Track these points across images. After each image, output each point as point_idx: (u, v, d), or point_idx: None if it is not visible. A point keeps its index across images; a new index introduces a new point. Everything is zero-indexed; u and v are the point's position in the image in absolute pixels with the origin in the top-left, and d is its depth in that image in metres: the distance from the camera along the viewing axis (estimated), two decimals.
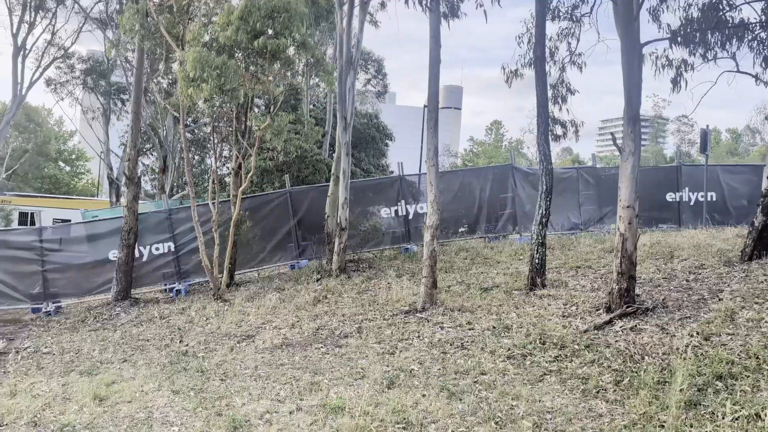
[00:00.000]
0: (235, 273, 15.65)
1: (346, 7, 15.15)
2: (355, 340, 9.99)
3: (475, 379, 7.74)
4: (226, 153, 28.80)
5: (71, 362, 10.43)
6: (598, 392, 7.02)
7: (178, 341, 11.18)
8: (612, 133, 10.86)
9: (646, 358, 7.68)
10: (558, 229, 17.19)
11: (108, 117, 29.44)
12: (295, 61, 12.49)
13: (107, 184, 45.09)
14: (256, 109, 14.19)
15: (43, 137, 55.09)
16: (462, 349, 8.91)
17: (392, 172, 28.79)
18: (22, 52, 26.66)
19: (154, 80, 22.45)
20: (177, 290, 15.67)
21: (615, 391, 6.99)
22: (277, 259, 16.96)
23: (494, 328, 9.53)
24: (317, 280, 14.36)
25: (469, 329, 9.72)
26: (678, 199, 18.38)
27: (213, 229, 14.05)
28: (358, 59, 14.63)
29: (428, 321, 10.32)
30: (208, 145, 32.44)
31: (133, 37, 13.49)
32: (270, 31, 11.55)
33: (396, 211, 17.14)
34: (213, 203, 14.19)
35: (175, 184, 27.68)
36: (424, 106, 43.68)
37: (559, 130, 14.63)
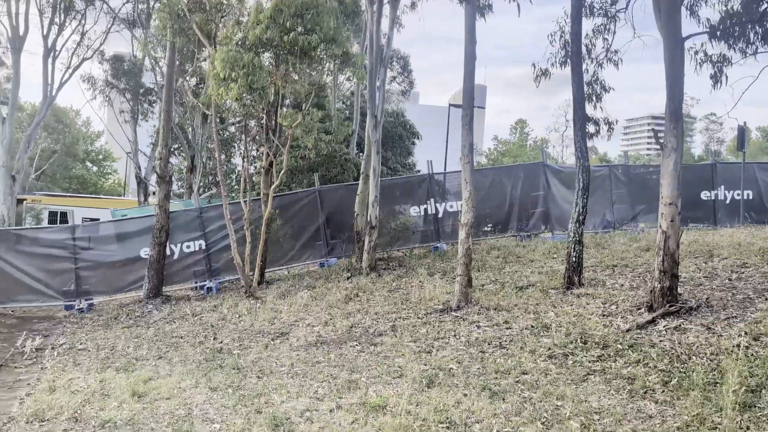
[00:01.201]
0: (266, 271, 15.65)
1: (375, 6, 15.09)
2: (390, 338, 9.88)
3: (517, 379, 7.60)
4: (254, 152, 28.92)
5: (107, 359, 10.45)
6: (645, 393, 6.84)
7: (212, 338, 11.17)
8: (654, 129, 10.63)
9: (694, 358, 7.47)
10: (591, 228, 16.91)
11: (136, 117, 29.67)
12: (324, 56, 12.38)
13: (135, 183, 45.52)
14: (284, 109, 14.09)
15: (72, 138, 55.92)
16: (501, 348, 8.76)
17: (419, 171, 28.64)
18: (52, 54, 26.93)
19: (186, 79, 22.55)
20: (208, 288, 15.72)
21: (663, 391, 6.80)
22: (306, 257, 16.94)
23: (532, 327, 9.37)
24: (348, 278, 14.31)
25: (507, 328, 9.57)
26: (713, 198, 18.00)
27: (245, 227, 14.06)
28: (388, 57, 14.53)
29: (464, 320, 10.19)
30: (235, 145, 32.67)
31: (166, 35, 13.54)
32: (300, 29, 11.50)
33: (425, 210, 17.02)
34: (245, 201, 14.19)
35: (201, 183, 27.82)
36: (450, 105, 43.47)
37: (592, 128, 14.59)
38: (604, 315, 9.50)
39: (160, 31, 13.84)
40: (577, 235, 11.24)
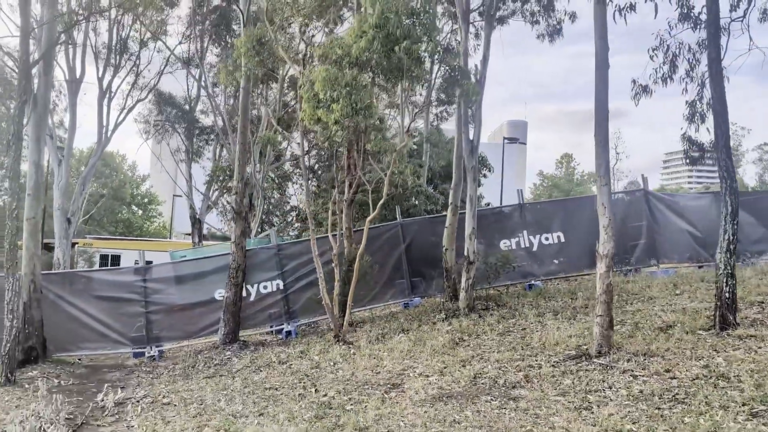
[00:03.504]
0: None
1: (466, 24, 14.09)
2: (528, 391, 8.47)
3: None
4: (313, 187, 27.97)
5: (199, 415, 9.22)
6: None
7: (313, 390, 9.86)
8: None
9: None
10: (702, 259, 15.35)
11: (191, 157, 29.16)
12: (434, 70, 11.27)
13: (180, 225, 44.85)
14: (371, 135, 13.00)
15: (119, 182, 56.27)
16: (679, 404, 7.28)
17: (488, 204, 27.36)
18: (107, 95, 26.65)
19: (255, 110, 21.83)
20: (287, 332, 14.48)
21: None
22: (389, 296, 15.60)
23: (705, 377, 7.88)
24: (445, 320, 12.95)
25: (671, 378, 8.09)
26: None
27: (334, 265, 12.86)
28: (484, 77, 13.42)
29: (612, 368, 8.73)
30: (289, 183, 31.96)
31: (247, 62, 12.67)
32: (404, 42, 10.36)
33: (517, 243, 15.62)
34: (333, 236, 13.04)
35: (261, 220, 26.91)
36: (505, 139, 42.37)
37: (696, 152, 13.54)
38: None
39: (241, 59, 12.94)
40: (729, 267, 9.74)
